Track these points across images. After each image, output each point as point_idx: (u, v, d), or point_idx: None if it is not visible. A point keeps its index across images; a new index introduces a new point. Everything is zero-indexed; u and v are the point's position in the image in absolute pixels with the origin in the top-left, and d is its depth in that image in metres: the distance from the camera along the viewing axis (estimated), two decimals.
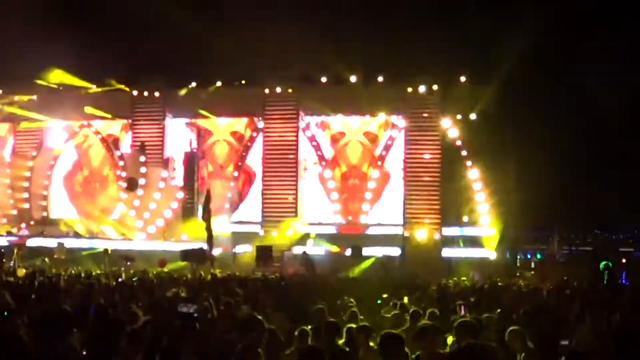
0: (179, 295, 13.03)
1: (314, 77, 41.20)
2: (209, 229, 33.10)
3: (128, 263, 31.68)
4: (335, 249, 37.95)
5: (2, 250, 36.60)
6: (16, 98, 45.66)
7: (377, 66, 39.71)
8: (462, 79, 38.41)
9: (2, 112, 45.75)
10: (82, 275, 24.74)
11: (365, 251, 36.48)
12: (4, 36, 39.32)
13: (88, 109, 44.22)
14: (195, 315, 9.42)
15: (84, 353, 6.41)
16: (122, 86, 43.80)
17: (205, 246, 33.08)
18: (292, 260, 35.66)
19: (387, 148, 41.65)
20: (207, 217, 33.71)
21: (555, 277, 28.77)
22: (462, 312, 12.28)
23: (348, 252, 36.64)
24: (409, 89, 39.49)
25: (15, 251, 36.71)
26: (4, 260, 33.02)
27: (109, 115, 44.98)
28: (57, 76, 43.15)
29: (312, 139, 42.11)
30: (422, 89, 39.31)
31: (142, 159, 43.10)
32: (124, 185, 41.63)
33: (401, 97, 39.34)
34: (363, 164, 42.01)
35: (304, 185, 42.63)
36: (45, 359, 5.94)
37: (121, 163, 44.38)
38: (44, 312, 6.78)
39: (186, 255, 31.52)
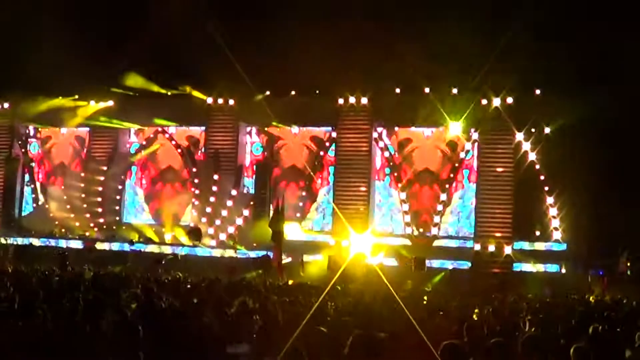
0: (247, 305, 13.25)
1: (388, 87, 42.52)
2: (279, 237, 34.61)
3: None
4: (404, 260, 39.05)
5: (66, 252, 39.01)
6: (92, 103, 47.91)
7: (451, 78, 40.68)
8: (537, 91, 39.31)
9: (78, 117, 48.01)
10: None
11: (433, 264, 37.53)
12: (81, 40, 41.83)
13: (159, 120, 46.37)
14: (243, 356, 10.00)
15: None
16: (198, 93, 45.71)
17: (271, 254, 34.84)
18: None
19: (459, 160, 42.49)
20: (279, 225, 35.21)
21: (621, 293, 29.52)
22: (527, 327, 13.01)
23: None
24: (484, 101, 40.41)
25: (86, 254, 39.20)
26: (67, 262, 35.10)
27: (183, 123, 46.98)
28: (133, 81, 45.32)
29: (384, 149, 43.28)
30: (496, 101, 40.22)
31: (215, 166, 44.90)
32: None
33: (475, 109, 40.20)
34: (435, 176, 43.33)
35: (376, 195, 43.78)
36: None
37: (194, 170, 46.15)
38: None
39: (255, 263, 33.30)
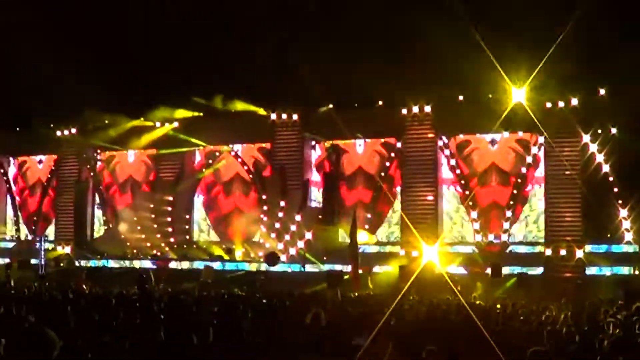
0: (320, 317, 13.62)
1: (450, 95, 44.16)
2: (354, 249, 35.82)
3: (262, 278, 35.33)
4: (478, 267, 40.09)
5: (144, 275, 41.01)
6: (158, 124, 50.15)
7: (515, 82, 41.52)
8: (602, 91, 40.17)
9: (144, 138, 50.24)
10: (226, 296, 27.12)
11: (505, 270, 38.55)
12: (145, 62, 44.06)
13: (224, 138, 48.31)
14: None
15: None
16: (262, 110, 47.62)
17: (341, 267, 36.43)
18: None
19: (526, 165, 43.77)
20: (354, 237, 36.42)
21: None
22: (611, 330, 13.64)
23: (487, 271, 38.86)
24: (548, 105, 41.51)
25: (159, 274, 41.22)
26: (146, 285, 36.96)
27: (248, 140, 48.98)
28: (197, 101, 47.54)
29: (450, 157, 44.57)
30: (561, 104, 41.15)
31: (282, 182, 46.64)
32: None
33: (540, 113, 41.08)
34: (503, 181, 44.65)
35: (444, 204, 45.06)
36: None
37: (261, 186, 48.06)
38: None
39: (328, 277, 34.94)
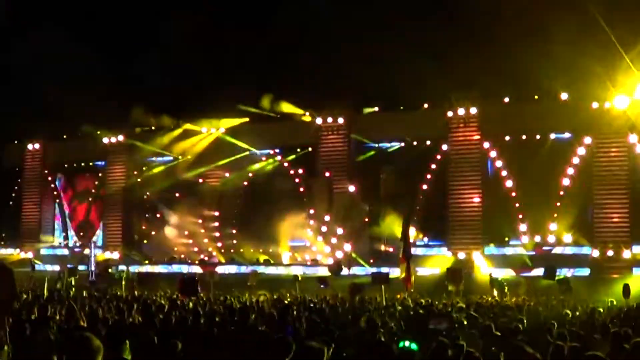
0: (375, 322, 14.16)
1: (496, 97, 45.83)
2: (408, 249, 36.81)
3: (322, 286, 36.46)
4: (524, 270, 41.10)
5: (196, 277, 42.61)
6: (204, 130, 52.05)
7: (560, 83, 42.56)
8: None
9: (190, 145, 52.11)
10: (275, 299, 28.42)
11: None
12: (190, 70, 45.90)
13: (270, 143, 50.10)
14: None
15: None
16: (307, 117, 49.28)
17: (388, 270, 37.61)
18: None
19: (574, 166, 45.11)
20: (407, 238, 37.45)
21: None
22: None
23: (537, 272, 39.76)
24: (595, 105, 42.61)
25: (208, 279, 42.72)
26: (197, 288, 38.46)
27: (294, 144, 50.76)
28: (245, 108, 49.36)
29: (496, 159, 46.31)
30: (607, 105, 42.06)
31: (329, 185, 48.13)
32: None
33: (587, 114, 42.08)
34: (548, 181, 45.59)
35: (492, 206, 46.27)
36: None
37: (308, 190, 49.80)
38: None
39: (374, 279, 36.14)
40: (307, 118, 50.36)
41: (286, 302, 25.46)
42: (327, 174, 49.72)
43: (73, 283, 39.77)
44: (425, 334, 11.76)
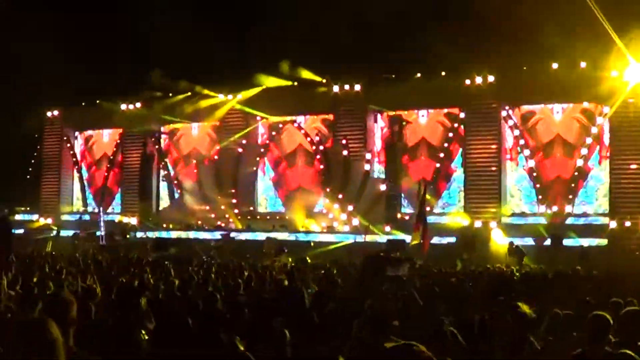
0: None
1: (514, 65, 45.52)
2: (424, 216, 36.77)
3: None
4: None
5: (221, 244, 43.08)
6: (221, 96, 52.28)
7: (579, 51, 42.29)
8: None
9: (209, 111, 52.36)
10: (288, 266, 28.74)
11: (567, 242, 39.52)
12: (213, 36, 45.91)
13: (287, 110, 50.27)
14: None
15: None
16: (323, 88, 49.48)
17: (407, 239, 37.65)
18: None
19: (591, 136, 45.10)
20: (421, 205, 37.43)
21: None
22: None
23: (547, 242, 39.88)
24: (614, 74, 42.46)
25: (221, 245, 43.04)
26: (211, 253, 38.90)
27: (311, 112, 50.84)
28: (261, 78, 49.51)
29: (514, 127, 45.67)
30: (627, 73, 41.92)
31: (345, 153, 48.26)
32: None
33: (605, 83, 41.83)
34: (567, 152, 45.71)
35: (507, 174, 46.12)
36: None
37: (324, 158, 49.88)
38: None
39: (389, 245, 36.30)
40: (322, 90, 50.35)
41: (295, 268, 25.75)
42: (343, 142, 49.75)
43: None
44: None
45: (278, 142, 54.19)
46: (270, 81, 50.73)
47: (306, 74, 50.00)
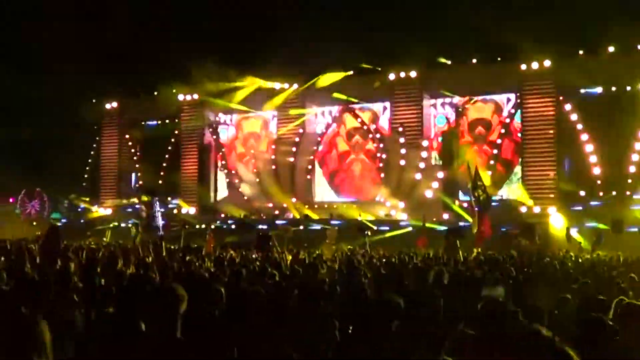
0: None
1: (570, 49, 45.65)
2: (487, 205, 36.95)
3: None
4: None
5: (269, 233, 43.55)
6: (277, 86, 52.96)
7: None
8: None
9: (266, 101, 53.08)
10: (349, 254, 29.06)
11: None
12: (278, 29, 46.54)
13: (338, 95, 50.72)
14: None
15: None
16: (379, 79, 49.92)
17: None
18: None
19: None
20: (477, 193, 37.68)
21: None
22: None
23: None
24: None
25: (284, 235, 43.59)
26: (270, 243, 39.34)
27: (367, 100, 51.35)
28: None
29: (570, 112, 45.61)
30: None
31: (402, 140, 48.65)
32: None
33: None
34: (625, 136, 45.08)
35: (566, 160, 46.28)
36: None
37: (381, 145, 50.25)
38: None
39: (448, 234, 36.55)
40: (377, 84, 50.73)
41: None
42: (400, 129, 50.14)
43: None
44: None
45: (335, 131, 54.73)
46: (328, 71, 51.25)
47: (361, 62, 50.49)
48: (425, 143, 50.17)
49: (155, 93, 58.07)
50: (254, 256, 25.52)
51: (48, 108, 54.65)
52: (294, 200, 53.08)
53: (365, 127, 53.09)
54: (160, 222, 49.04)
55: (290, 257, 23.32)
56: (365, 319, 6.59)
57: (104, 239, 43.25)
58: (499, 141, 48.99)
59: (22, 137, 53.04)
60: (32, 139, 53.54)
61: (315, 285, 10.54)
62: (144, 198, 57.99)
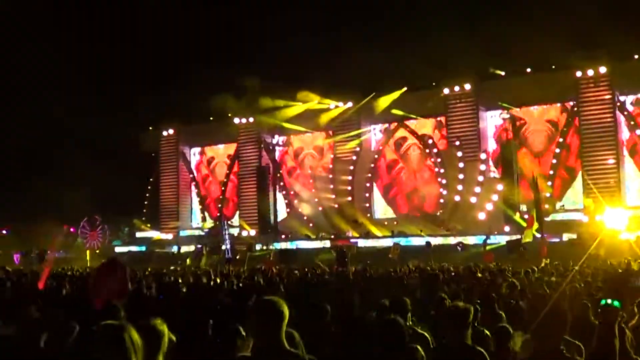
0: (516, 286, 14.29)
1: (627, 54, 45.59)
2: (541, 217, 36.92)
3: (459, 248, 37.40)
4: None
5: (344, 249, 44.07)
6: (332, 106, 53.75)
7: None
8: None
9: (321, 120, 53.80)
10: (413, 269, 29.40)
11: None
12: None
13: (396, 111, 51.33)
14: None
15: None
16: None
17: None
18: None
19: None
20: (537, 206, 37.66)
21: None
22: None
23: None
24: None
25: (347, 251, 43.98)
26: (346, 259, 39.81)
27: (422, 114, 51.89)
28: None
29: (629, 117, 45.65)
30: None
31: (459, 154, 48.96)
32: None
33: None
34: None
35: (626, 166, 46.55)
36: None
37: (439, 160, 50.66)
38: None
39: (509, 247, 36.63)
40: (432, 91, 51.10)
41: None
42: (456, 143, 50.51)
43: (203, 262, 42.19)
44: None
45: (392, 147, 55.39)
46: (384, 89, 51.92)
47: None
48: (483, 156, 50.51)
49: (211, 118, 59.32)
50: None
51: (107, 136, 56.02)
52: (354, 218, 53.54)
53: (421, 142, 53.64)
54: (228, 245, 49.81)
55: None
56: None
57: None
58: (557, 150, 49.07)
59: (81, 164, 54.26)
60: (91, 167, 54.76)
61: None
62: (212, 223, 59.26)
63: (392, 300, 9.19)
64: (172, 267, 35.16)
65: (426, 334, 8.06)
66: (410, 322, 8.62)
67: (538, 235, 37.38)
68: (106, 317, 7.78)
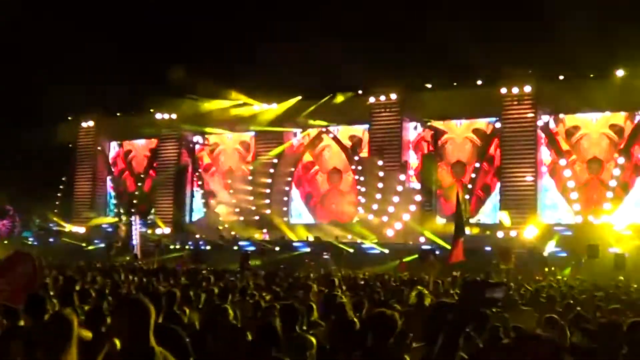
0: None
1: (552, 74, 46.20)
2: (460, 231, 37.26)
3: None
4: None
5: (249, 252, 43.92)
6: (256, 107, 53.43)
7: (617, 61, 42.83)
8: None
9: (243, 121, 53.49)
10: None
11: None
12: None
13: (314, 122, 52.60)
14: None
15: None
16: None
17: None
18: None
19: (633, 142, 45.60)
20: (457, 217, 38.06)
21: None
22: None
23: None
24: None
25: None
26: (249, 262, 39.80)
27: (346, 122, 51.85)
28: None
29: (550, 137, 46.26)
30: None
31: (380, 163, 49.07)
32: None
33: None
34: (604, 159, 46.31)
35: (545, 183, 47.22)
36: None
37: (359, 168, 50.62)
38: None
39: (421, 257, 36.85)
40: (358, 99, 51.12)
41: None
42: (377, 153, 50.68)
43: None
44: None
45: (313, 153, 55.31)
46: (307, 92, 51.75)
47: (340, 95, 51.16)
48: (403, 167, 50.66)
49: (133, 112, 58.60)
50: None
51: (24, 123, 54.80)
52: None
53: (344, 149, 53.65)
54: (135, 241, 49.10)
55: None
56: None
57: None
58: (477, 165, 49.50)
59: None
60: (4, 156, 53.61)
61: None
62: (124, 218, 58.31)
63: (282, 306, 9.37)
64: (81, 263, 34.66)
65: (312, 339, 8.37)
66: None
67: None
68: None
